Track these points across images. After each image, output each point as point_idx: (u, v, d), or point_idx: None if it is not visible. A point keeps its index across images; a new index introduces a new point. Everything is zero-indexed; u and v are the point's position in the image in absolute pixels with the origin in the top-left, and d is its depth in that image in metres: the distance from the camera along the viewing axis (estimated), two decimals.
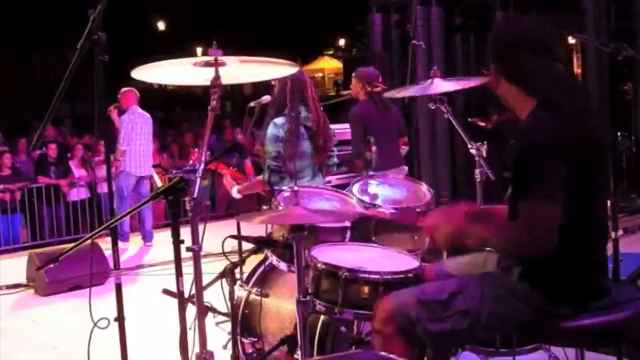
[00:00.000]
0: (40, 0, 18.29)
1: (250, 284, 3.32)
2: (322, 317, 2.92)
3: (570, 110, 2.19)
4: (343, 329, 2.93)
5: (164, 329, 4.27)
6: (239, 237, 3.12)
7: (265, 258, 3.28)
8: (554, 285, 2.20)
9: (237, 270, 3.25)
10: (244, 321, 3.26)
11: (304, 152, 3.80)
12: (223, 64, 2.57)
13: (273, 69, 2.92)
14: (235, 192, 4.07)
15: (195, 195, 2.35)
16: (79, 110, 15.12)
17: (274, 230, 3.12)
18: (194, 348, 2.43)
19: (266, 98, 4.04)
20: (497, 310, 2.23)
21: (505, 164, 2.35)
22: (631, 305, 2.23)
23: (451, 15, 8.66)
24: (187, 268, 2.40)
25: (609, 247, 2.54)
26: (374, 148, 5.68)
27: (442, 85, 3.59)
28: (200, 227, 2.43)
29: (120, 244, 6.54)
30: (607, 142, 2.60)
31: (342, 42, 26.68)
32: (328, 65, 24.95)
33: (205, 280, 2.70)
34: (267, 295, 3.21)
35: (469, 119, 6.94)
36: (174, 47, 18.18)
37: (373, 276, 2.57)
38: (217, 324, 3.73)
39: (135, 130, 7.62)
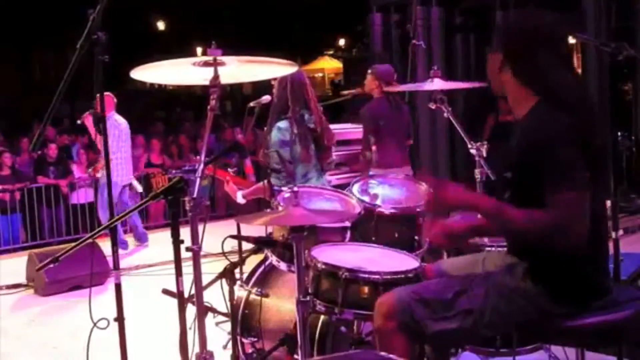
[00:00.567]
0: (40, 0, 18.30)
1: (250, 284, 3.32)
2: (322, 317, 2.92)
3: (577, 109, 2.18)
4: (343, 329, 2.93)
5: (164, 329, 4.27)
6: (239, 237, 3.11)
7: (265, 258, 3.28)
8: (557, 285, 2.20)
9: (237, 270, 3.25)
10: (244, 321, 3.26)
11: (312, 155, 3.81)
12: (222, 63, 2.57)
13: (273, 69, 2.92)
14: (240, 198, 4.06)
15: (194, 196, 2.35)
16: (78, 110, 15.12)
17: (274, 231, 3.12)
18: (194, 348, 2.43)
19: (266, 98, 4.03)
20: (500, 309, 2.23)
21: (506, 164, 2.34)
22: (631, 305, 2.23)
23: (451, 15, 8.66)
24: (187, 268, 2.40)
25: (609, 247, 2.54)
26: (374, 148, 5.70)
27: (441, 86, 3.59)
28: (200, 227, 2.43)
29: (121, 251, 6.55)
30: (608, 142, 2.59)
31: (342, 42, 26.67)
32: (328, 65, 24.94)
33: (205, 280, 2.70)
34: (267, 295, 3.21)
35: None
36: (174, 47, 18.19)
37: (373, 276, 2.56)
38: (217, 324, 3.73)
39: (121, 137, 7.41)
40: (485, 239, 2.98)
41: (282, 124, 3.76)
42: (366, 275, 2.57)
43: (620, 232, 3.21)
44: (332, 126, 4.10)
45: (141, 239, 7.81)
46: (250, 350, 3.25)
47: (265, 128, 3.89)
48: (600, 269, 2.28)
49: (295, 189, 2.70)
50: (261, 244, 2.99)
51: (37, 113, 13.71)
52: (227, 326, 3.46)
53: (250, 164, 9.50)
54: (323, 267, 2.62)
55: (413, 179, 3.79)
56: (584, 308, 2.20)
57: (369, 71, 5.80)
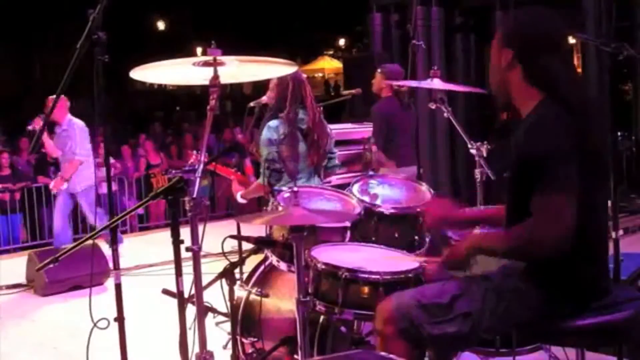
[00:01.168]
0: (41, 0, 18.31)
1: (250, 284, 3.32)
2: (322, 317, 2.92)
3: (581, 109, 2.18)
4: (343, 329, 2.93)
5: (164, 329, 4.27)
6: (239, 237, 3.12)
7: (265, 258, 3.28)
8: (556, 286, 2.19)
9: (237, 270, 3.25)
10: (244, 321, 3.26)
11: (299, 154, 3.79)
12: (222, 63, 2.57)
13: (273, 69, 2.92)
14: (239, 198, 4.07)
15: (194, 196, 2.35)
16: (78, 110, 15.13)
17: (274, 231, 3.12)
18: (194, 348, 2.43)
19: (265, 98, 4.04)
20: (499, 311, 2.22)
21: (506, 164, 2.34)
22: (631, 305, 2.23)
23: (451, 15, 8.65)
24: (187, 268, 2.40)
25: (609, 247, 2.54)
26: (374, 148, 5.69)
27: (441, 86, 3.60)
28: (200, 227, 2.43)
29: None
30: (608, 142, 2.59)
31: (342, 42, 26.69)
32: (328, 65, 24.94)
33: (205, 280, 2.70)
34: (267, 295, 3.21)
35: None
36: (173, 47, 18.19)
37: (373, 276, 2.56)
38: (217, 324, 3.73)
39: (88, 139, 7.01)
40: None
41: (273, 122, 3.76)
42: (366, 275, 2.57)
43: (620, 232, 3.21)
44: (332, 126, 4.09)
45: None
46: (250, 350, 3.25)
47: (260, 127, 3.90)
48: (600, 269, 2.28)
49: (296, 189, 2.70)
50: (261, 244, 2.99)
51: (37, 113, 13.71)
52: (227, 326, 3.46)
53: (250, 164, 9.50)
54: (323, 267, 2.62)
55: (413, 179, 3.79)
56: (584, 308, 2.20)
57: (379, 70, 5.82)
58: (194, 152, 4.03)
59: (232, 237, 2.92)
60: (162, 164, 10.80)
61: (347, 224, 3.08)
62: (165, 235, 2.44)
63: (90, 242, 2.72)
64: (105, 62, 2.69)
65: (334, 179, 5.72)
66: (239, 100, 17.74)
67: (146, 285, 5.78)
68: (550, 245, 2.08)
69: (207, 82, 2.54)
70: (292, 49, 20.97)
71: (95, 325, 2.68)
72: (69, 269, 5.42)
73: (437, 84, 3.58)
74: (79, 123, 6.95)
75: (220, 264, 3.00)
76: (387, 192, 3.48)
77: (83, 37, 2.64)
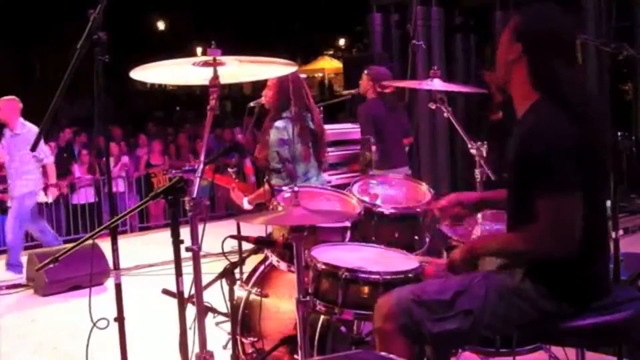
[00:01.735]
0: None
1: (250, 284, 3.32)
2: (322, 317, 2.92)
3: (580, 110, 2.18)
4: (343, 329, 2.93)
5: (164, 329, 4.27)
6: (239, 237, 3.11)
7: (265, 258, 3.28)
8: (556, 285, 2.19)
9: (237, 270, 3.25)
10: (244, 321, 3.26)
11: (312, 153, 3.82)
12: (222, 63, 2.57)
13: (273, 69, 2.92)
14: (246, 204, 4.06)
15: (194, 196, 2.35)
16: (77, 110, 15.15)
17: (274, 230, 3.12)
18: (194, 348, 2.43)
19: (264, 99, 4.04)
20: (500, 309, 2.23)
21: (504, 164, 2.34)
22: (631, 305, 2.23)
23: (451, 15, 8.66)
24: (187, 268, 2.40)
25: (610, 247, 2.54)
26: (374, 148, 5.70)
27: (441, 86, 3.59)
28: (200, 227, 2.43)
29: (10, 275, 6.28)
30: (609, 142, 2.59)
31: (342, 42, 26.68)
32: (328, 65, 24.93)
33: (205, 280, 2.70)
34: (266, 296, 3.21)
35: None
36: (173, 47, 18.19)
37: (373, 276, 2.56)
38: (217, 324, 3.73)
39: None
40: None
41: (280, 123, 3.77)
42: (366, 275, 2.57)
43: (620, 232, 3.21)
44: (331, 126, 4.12)
45: (12, 268, 6.43)
46: (250, 350, 3.25)
47: (263, 128, 3.90)
48: (600, 269, 2.28)
49: (296, 188, 2.70)
50: (261, 244, 2.99)
51: (38, 113, 13.72)
52: (227, 326, 3.46)
53: (250, 164, 9.50)
54: (323, 267, 2.62)
55: (413, 179, 3.79)
56: (584, 308, 2.20)
57: (365, 72, 5.81)
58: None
59: (232, 237, 2.92)
60: (164, 163, 10.80)
61: (347, 224, 3.08)
62: (165, 235, 2.44)
63: (90, 242, 2.72)
64: (105, 62, 2.69)
65: (334, 179, 5.74)
66: (239, 100, 17.76)
67: (146, 285, 5.78)
68: (559, 249, 2.10)
69: (207, 82, 2.55)
70: (292, 49, 20.96)
71: (95, 325, 2.68)
72: (69, 269, 5.42)
73: (437, 84, 3.58)
74: (33, 126, 6.40)
75: (220, 264, 3.00)
76: (387, 192, 3.48)
77: (83, 37, 2.63)
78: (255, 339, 3.21)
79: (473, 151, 3.47)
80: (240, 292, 3.25)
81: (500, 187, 2.49)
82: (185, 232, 2.40)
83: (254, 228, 3.75)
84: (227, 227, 3.87)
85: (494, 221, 3.09)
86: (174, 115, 19.36)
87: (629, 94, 8.48)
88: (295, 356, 2.80)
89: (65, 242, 8.77)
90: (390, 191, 3.50)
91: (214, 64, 2.55)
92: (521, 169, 2.20)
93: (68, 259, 2.69)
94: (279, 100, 3.83)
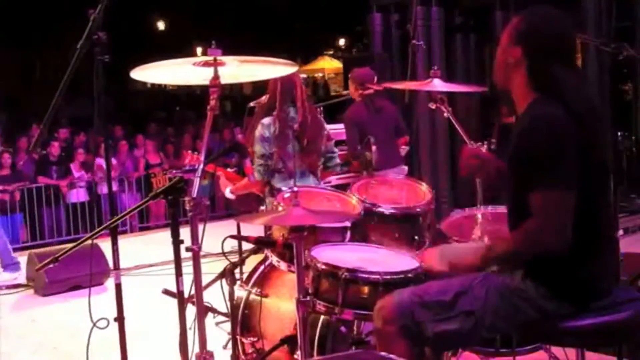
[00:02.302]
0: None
1: (250, 284, 3.32)
2: (322, 317, 2.92)
3: (580, 111, 2.18)
4: (343, 329, 2.93)
5: (164, 329, 4.27)
6: (239, 237, 3.12)
7: (265, 258, 3.28)
8: (557, 285, 2.19)
9: (237, 270, 3.25)
10: (244, 321, 3.26)
11: (290, 154, 3.79)
12: (222, 63, 2.57)
13: (273, 69, 2.92)
14: (228, 193, 4.06)
15: (194, 196, 2.35)
16: (77, 110, 15.17)
17: (274, 230, 3.12)
18: (194, 348, 2.44)
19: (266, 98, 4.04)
20: (501, 310, 2.23)
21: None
22: (631, 305, 2.23)
23: (451, 15, 8.65)
24: (187, 268, 2.40)
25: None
26: (374, 148, 5.69)
27: (441, 87, 3.59)
28: (200, 227, 2.43)
29: (8, 275, 6.27)
30: (608, 143, 2.59)
31: (342, 42, 26.68)
32: (328, 65, 24.93)
33: (205, 280, 2.70)
34: (266, 296, 3.21)
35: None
36: (174, 47, 18.19)
37: (373, 276, 2.56)
38: (217, 324, 3.73)
39: None
40: (486, 239, 2.98)
41: (266, 120, 3.79)
42: (366, 275, 2.57)
43: (620, 232, 3.21)
44: (331, 126, 4.09)
45: (9, 268, 6.40)
46: (250, 350, 3.25)
47: (251, 125, 3.90)
48: (600, 269, 2.28)
49: (295, 189, 2.70)
50: (261, 244, 2.99)
51: (38, 113, 13.72)
52: (227, 326, 3.45)
53: (250, 163, 9.48)
54: (323, 267, 2.62)
55: (413, 179, 3.79)
56: (584, 309, 2.20)
57: (349, 75, 5.79)
58: (189, 152, 4.03)
59: (232, 237, 2.93)
60: (163, 163, 10.80)
61: (347, 224, 3.08)
62: (165, 235, 2.44)
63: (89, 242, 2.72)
64: (105, 62, 2.69)
65: (334, 179, 5.73)
66: (239, 100, 17.77)
67: (146, 285, 5.78)
68: (552, 244, 2.10)
69: (207, 82, 2.55)
70: (292, 49, 20.96)
71: (95, 325, 2.68)
72: (69, 269, 5.42)
73: (437, 84, 3.58)
74: None
75: (220, 264, 3.00)
76: (387, 192, 3.48)
77: (83, 37, 2.64)
78: (255, 339, 3.21)
79: None
80: (240, 292, 3.26)
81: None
82: (185, 232, 2.41)
83: (254, 228, 3.75)
84: (227, 227, 3.88)
85: (494, 221, 3.09)
86: (174, 115, 19.35)
87: (629, 94, 8.49)
88: (295, 356, 2.80)
89: (65, 242, 8.82)
90: (390, 191, 3.50)
91: (214, 64, 2.55)
92: (518, 165, 2.20)
93: (68, 259, 2.69)
94: (269, 99, 3.85)
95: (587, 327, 2.19)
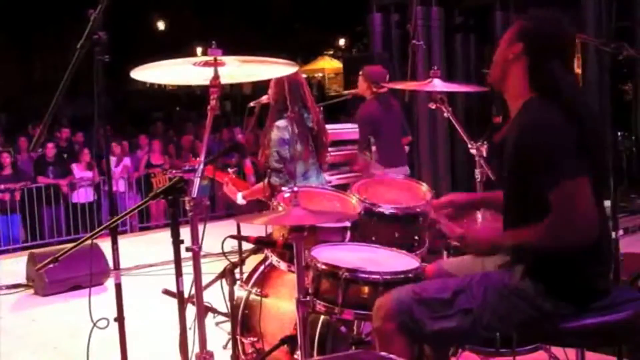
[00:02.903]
0: None
1: (250, 284, 3.32)
2: (322, 317, 2.92)
3: (577, 110, 2.19)
4: (343, 329, 2.93)
5: (164, 329, 4.27)
6: (239, 237, 3.11)
7: (265, 258, 3.28)
8: (556, 285, 2.20)
9: (237, 270, 3.25)
10: (244, 321, 3.26)
11: (311, 153, 3.83)
12: (222, 63, 2.57)
13: (273, 69, 2.92)
14: (240, 199, 4.06)
15: (194, 196, 2.35)
16: (77, 110, 15.19)
17: (274, 231, 3.12)
18: (194, 348, 2.44)
19: (266, 98, 4.04)
20: (500, 309, 2.23)
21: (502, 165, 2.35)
22: (631, 305, 2.23)
23: (451, 15, 8.66)
24: (187, 268, 2.40)
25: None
26: (373, 148, 5.70)
27: (441, 87, 3.59)
28: (200, 227, 2.43)
29: None
30: (606, 143, 2.59)
31: (342, 42, 26.67)
32: (328, 65, 24.94)
33: (205, 280, 2.70)
34: (266, 296, 3.21)
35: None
36: (174, 47, 18.19)
37: (373, 276, 2.56)
38: (217, 324, 3.74)
39: None
40: None
41: (281, 123, 3.77)
42: (366, 275, 2.57)
43: (620, 232, 3.21)
44: (331, 126, 4.12)
45: None
46: (250, 350, 3.25)
47: (264, 128, 3.90)
48: (600, 269, 2.28)
49: (296, 188, 2.70)
50: (261, 244, 2.99)
51: (38, 113, 13.73)
52: (227, 326, 3.46)
53: (250, 164, 9.49)
54: (323, 267, 2.62)
55: (413, 179, 3.79)
56: (584, 309, 2.20)
57: (360, 72, 5.80)
58: (196, 158, 4.03)
59: (232, 237, 2.92)
60: (164, 163, 10.80)
61: (347, 224, 3.08)
62: (165, 235, 2.44)
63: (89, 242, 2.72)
64: (105, 62, 2.69)
65: (334, 179, 5.73)
66: (239, 100, 17.76)
67: (146, 285, 5.78)
68: (580, 237, 2.08)
69: (207, 82, 2.55)
70: (292, 49, 20.96)
71: (95, 325, 2.68)
72: (69, 269, 5.41)
73: (437, 84, 3.58)
74: None
75: (220, 264, 3.00)
76: (387, 192, 3.48)
77: (83, 37, 2.64)
78: (255, 339, 3.21)
79: (473, 151, 3.47)
80: (240, 292, 3.26)
81: (499, 188, 2.49)
82: (185, 232, 2.41)
83: (254, 228, 3.74)
84: (227, 227, 3.88)
85: (494, 221, 3.08)
86: (174, 115, 19.35)
87: (629, 94, 8.49)
88: (295, 356, 2.80)
89: (65, 242, 8.82)
90: (390, 191, 3.50)
91: (215, 64, 2.55)
92: (521, 166, 2.20)
93: (68, 259, 2.69)
94: (277, 99, 3.84)
95: (587, 327, 2.20)
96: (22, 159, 10.43)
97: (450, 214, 2.71)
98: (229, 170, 4.30)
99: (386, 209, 3.19)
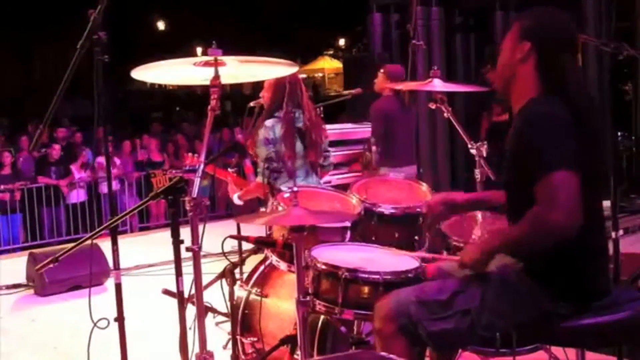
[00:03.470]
0: None
1: (250, 284, 3.32)
2: (322, 317, 2.92)
3: (582, 107, 2.19)
4: (343, 329, 2.93)
5: (164, 329, 4.27)
6: (239, 237, 3.12)
7: (265, 258, 3.28)
8: (555, 285, 2.20)
9: (237, 270, 3.25)
10: (244, 321, 3.26)
11: (296, 153, 3.81)
12: (222, 63, 2.57)
13: (273, 69, 2.92)
14: (236, 199, 4.07)
15: (194, 196, 2.35)
16: (77, 110, 15.19)
17: (274, 231, 3.12)
18: (194, 348, 2.44)
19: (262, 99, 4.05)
20: (498, 309, 2.23)
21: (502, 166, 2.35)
22: (631, 305, 2.23)
23: (451, 15, 8.66)
24: (187, 268, 2.40)
25: (609, 247, 2.54)
26: (374, 148, 5.71)
27: (441, 87, 3.59)
28: (200, 227, 2.43)
29: None
30: (607, 144, 2.60)
31: (342, 42, 26.67)
32: (328, 65, 24.94)
33: (205, 280, 2.70)
34: (266, 296, 3.21)
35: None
36: (174, 47, 18.19)
37: (373, 276, 2.56)
38: (217, 324, 3.73)
39: None
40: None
41: (269, 122, 3.78)
42: (366, 275, 2.57)
43: (620, 232, 3.21)
44: (332, 126, 4.11)
45: None
46: (250, 350, 3.25)
47: (255, 127, 3.91)
48: (600, 269, 2.28)
49: (295, 188, 2.70)
50: (261, 244, 2.99)
51: (38, 113, 13.74)
52: (227, 326, 3.46)
53: (250, 164, 9.49)
54: (323, 267, 2.62)
55: (413, 179, 3.80)
56: (584, 309, 2.20)
57: (381, 70, 5.88)
58: (190, 154, 4.04)
59: (232, 237, 2.92)
60: (164, 163, 10.80)
61: (347, 224, 3.08)
62: (165, 235, 2.44)
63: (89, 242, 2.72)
64: (105, 62, 2.69)
65: (334, 179, 5.73)
66: (239, 100, 17.75)
67: (146, 285, 5.78)
68: (563, 224, 2.03)
69: (207, 82, 2.55)
70: (292, 49, 20.95)
71: (95, 325, 2.68)
72: (69, 269, 5.41)
73: (437, 84, 3.58)
74: None
75: (220, 264, 3.00)
76: (387, 192, 3.48)
77: (83, 37, 2.64)
78: (255, 339, 3.21)
79: (473, 151, 3.47)
80: (240, 292, 3.26)
81: (499, 188, 2.49)
82: (185, 232, 2.41)
83: (254, 228, 3.75)
84: (227, 227, 3.88)
85: (494, 221, 3.09)
86: (173, 116, 19.36)
87: (629, 94, 8.47)
88: (295, 356, 2.80)
89: (65, 242, 8.82)
90: (390, 191, 3.50)
91: (215, 64, 2.55)
92: (518, 160, 2.19)
93: (68, 259, 2.69)
94: (274, 100, 3.84)
95: (588, 327, 2.19)
96: (22, 159, 10.43)
97: (444, 213, 2.70)
98: (229, 170, 4.30)
99: (386, 209, 3.19)
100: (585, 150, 2.14)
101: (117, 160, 10.25)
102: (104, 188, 9.54)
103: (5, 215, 9.24)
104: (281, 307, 3.18)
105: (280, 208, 3.06)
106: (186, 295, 2.45)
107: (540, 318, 2.21)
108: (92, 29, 2.63)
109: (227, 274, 3.01)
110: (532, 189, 2.10)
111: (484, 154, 3.45)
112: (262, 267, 3.37)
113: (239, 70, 2.68)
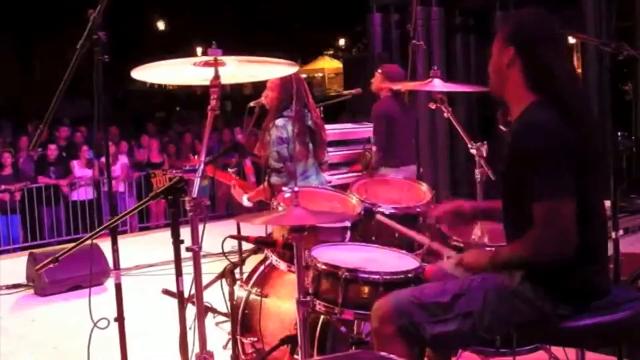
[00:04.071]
0: None
1: (250, 284, 3.32)
2: (322, 317, 2.92)
3: (575, 110, 2.19)
4: (343, 329, 2.93)
5: (164, 329, 4.27)
6: (239, 237, 3.12)
7: (265, 258, 3.28)
8: (556, 286, 2.20)
9: (237, 270, 3.25)
10: (244, 321, 3.26)
11: (310, 151, 3.84)
12: (222, 63, 2.57)
13: (273, 69, 2.92)
14: (246, 201, 4.07)
15: (194, 196, 2.35)
16: (77, 110, 15.19)
17: (274, 230, 3.12)
18: (194, 348, 2.44)
19: (264, 99, 4.05)
20: (500, 311, 2.23)
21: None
22: (631, 305, 2.23)
23: (451, 15, 8.66)
24: (187, 268, 2.40)
25: (609, 247, 2.54)
26: (374, 148, 5.71)
27: (441, 87, 3.60)
28: (200, 227, 2.43)
29: None
30: (602, 144, 2.59)
31: (342, 42, 26.67)
32: (328, 65, 24.93)
33: (205, 280, 2.70)
34: (266, 296, 3.21)
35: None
36: (174, 47, 18.19)
37: (373, 276, 2.56)
38: (217, 324, 3.73)
39: None
40: (485, 239, 2.98)
41: (280, 122, 3.78)
42: (366, 275, 2.57)
43: (620, 232, 3.21)
44: (332, 126, 4.13)
45: None
46: (250, 350, 3.25)
47: (263, 128, 3.91)
48: (599, 269, 2.28)
49: (296, 188, 2.70)
50: (261, 244, 2.99)
51: (38, 113, 13.73)
52: (227, 326, 3.46)
53: (250, 164, 9.49)
54: (323, 267, 2.62)
55: (413, 179, 3.80)
56: (584, 309, 2.20)
57: (379, 70, 5.84)
58: (195, 156, 4.05)
59: (232, 237, 2.93)
60: (164, 162, 10.80)
61: (347, 224, 3.08)
62: (165, 235, 2.44)
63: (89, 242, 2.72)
64: (105, 62, 2.69)
65: (334, 179, 5.74)
66: (239, 100, 17.76)
67: (146, 285, 5.78)
68: (555, 253, 2.12)
69: (207, 82, 2.55)
70: (292, 49, 20.95)
71: (95, 325, 2.68)
72: (69, 269, 5.41)
73: (437, 84, 3.58)
74: None
75: (220, 264, 3.00)
76: (387, 192, 3.48)
77: (83, 37, 2.64)
78: (255, 339, 3.21)
79: (473, 151, 3.47)
80: (240, 292, 3.26)
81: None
82: (185, 232, 2.40)
83: (254, 228, 3.74)
84: (227, 227, 3.88)
85: (493, 222, 3.08)
86: (173, 116, 19.36)
87: (629, 94, 8.47)
88: (295, 356, 2.80)
89: (65, 242, 8.82)
90: (390, 191, 3.50)
91: (215, 64, 2.55)
92: (515, 171, 2.20)
93: (68, 259, 2.69)
94: (281, 100, 3.84)
95: (587, 327, 2.19)
96: (22, 159, 10.43)
97: (451, 220, 2.71)
98: (229, 170, 4.30)
99: (386, 209, 3.19)
100: (582, 155, 2.14)
101: (125, 160, 10.27)
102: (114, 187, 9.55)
103: (5, 215, 9.24)
104: (281, 307, 3.18)
105: (280, 208, 3.06)
106: (186, 295, 2.45)
107: (541, 319, 2.21)
108: (92, 29, 2.63)
109: (227, 274, 3.01)
110: (528, 204, 2.14)
111: (484, 154, 3.45)
112: (262, 267, 3.37)
113: (239, 70, 2.68)
